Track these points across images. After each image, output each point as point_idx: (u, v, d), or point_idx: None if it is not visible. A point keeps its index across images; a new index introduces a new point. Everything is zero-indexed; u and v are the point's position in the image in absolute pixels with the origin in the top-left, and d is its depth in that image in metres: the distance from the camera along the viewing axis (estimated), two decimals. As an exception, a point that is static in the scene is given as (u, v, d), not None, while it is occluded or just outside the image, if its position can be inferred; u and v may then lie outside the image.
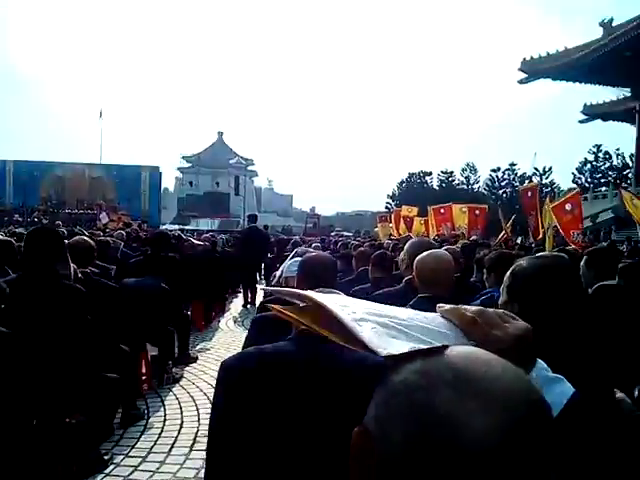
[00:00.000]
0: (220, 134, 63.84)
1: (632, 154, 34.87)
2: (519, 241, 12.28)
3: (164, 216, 44.79)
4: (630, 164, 36.47)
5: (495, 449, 0.38)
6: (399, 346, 0.48)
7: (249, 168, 61.24)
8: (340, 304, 0.56)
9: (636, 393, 1.96)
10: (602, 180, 45.03)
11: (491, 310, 0.65)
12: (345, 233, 28.95)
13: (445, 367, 0.44)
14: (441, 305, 0.61)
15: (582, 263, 3.15)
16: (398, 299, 2.15)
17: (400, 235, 15.54)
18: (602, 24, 28.61)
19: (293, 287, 1.75)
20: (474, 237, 11.33)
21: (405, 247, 3.19)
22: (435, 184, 58.66)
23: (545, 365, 0.71)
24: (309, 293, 0.61)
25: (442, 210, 15.31)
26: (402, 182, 60.51)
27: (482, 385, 0.42)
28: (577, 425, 0.67)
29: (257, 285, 10.95)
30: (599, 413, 0.76)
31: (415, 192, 51.15)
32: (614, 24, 27.60)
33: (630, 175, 36.77)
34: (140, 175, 40.16)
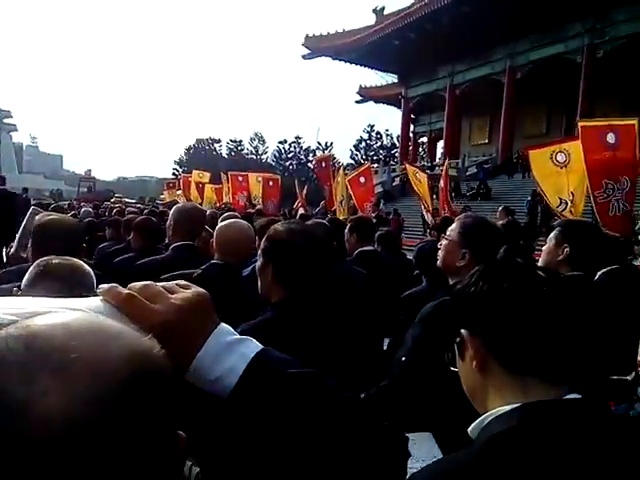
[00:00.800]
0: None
1: (398, 135, 39.39)
2: (315, 212, 12.45)
3: None
4: (397, 144, 41.25)
5: (70, 433, 0.34)
6: None
7: (6, 121, 52.01)
8: None
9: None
10: (374, 157, 50.32)
11: (166, 283, 0.66)
12: (127, 200, 26.35)
13: (16, 337, 0.39)
14: (102, 286, 0.60)
15: (346, 230, 3.42)
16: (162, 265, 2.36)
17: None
18: (375, 11, 31.15)
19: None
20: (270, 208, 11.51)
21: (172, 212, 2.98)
22: (224, 152, 58.26)
23: (230, 329, 0.68)
24: None
25: (240, 178, 14.76)
26: (190, 148, 58.65)
27: (58, 356, 0.37)
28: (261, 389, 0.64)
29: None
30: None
31: (204, 159, 49.95)
32: (385, 12, 30.28)
33: (397, 154, 41.62)
34: None
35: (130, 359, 0.40)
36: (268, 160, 56.17)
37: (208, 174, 18.03)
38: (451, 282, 1.86)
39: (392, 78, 34.99)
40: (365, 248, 3.23)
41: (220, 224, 2.39)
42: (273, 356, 0.68)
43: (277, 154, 56.47)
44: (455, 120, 30.43)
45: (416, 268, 3.14)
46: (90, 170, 53.81)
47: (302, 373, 0.67)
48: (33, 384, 0.35)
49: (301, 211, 11.81)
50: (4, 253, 8.74)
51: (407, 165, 13.37)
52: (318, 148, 53.45)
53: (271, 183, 13.62)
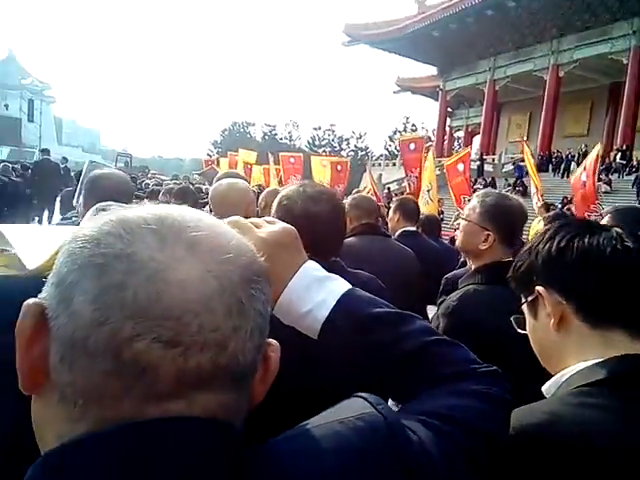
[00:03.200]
0: (11, 50, 54.07)
1: (434, 129, 38.94)
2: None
3: None
4: (432, 137, 40.85)
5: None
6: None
7: (46, 93, 53.26)
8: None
9: None
10: (407, 149, 49.64)
11: (254, 219, 0.68)
12: (163, 177, 26.83)
13: (152, 215, 0.43)
14: None
15: (391, 209, 3.44)
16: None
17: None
18: (417, 1, 30.66)
19: None
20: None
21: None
22: (259, 136, 58.52)
23: (319, 266, 0.69)
24: None
25: (292, 159, 13.92)
26: (225, 130, 59.10)
27: (191, 232, 0.42)
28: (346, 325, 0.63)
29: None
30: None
31: (238, 141, 50.33)
32: (427, 3, 29.80)
33: (431, 147, 40.92)
34: None
35: (247, 252, 0.46)
36: (302, 146, 56.22)
37: (255, 153, 17.07)
38: (473, 266, 1.71)
39: (431, 70, 34.51)
40: (408, 228, 3.25)
41: (219, 183, 2.24)
42: (362, 294, 0.68)
43: (311, 140, 56.48)
44: (493, 115, 29.91)
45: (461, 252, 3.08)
46: (126, 147, 54.77)
47: (392, 313, 0.65)
48: (171, 252, 0.40)
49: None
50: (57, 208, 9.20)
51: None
52: (352, 136, 53.14)
53: (339, 167, 12.88)
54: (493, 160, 25.56)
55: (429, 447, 0.50)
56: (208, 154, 51.77)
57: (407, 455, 0.47)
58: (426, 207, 7.48)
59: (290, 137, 58.57)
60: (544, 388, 0.82)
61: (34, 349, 0.40)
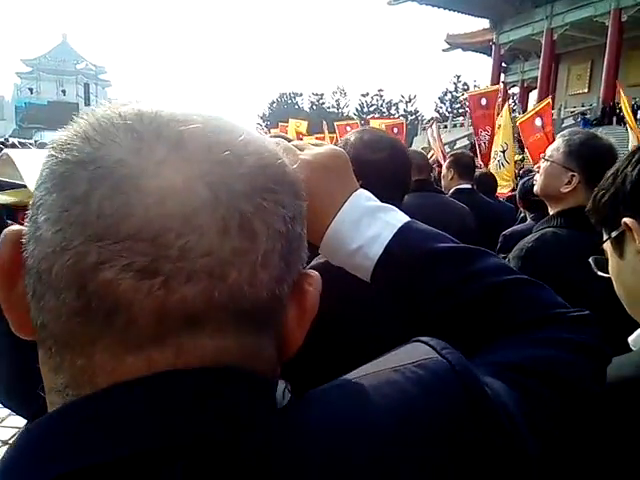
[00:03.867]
0: (65, 36, 55.88)
1: (487, 86, 37.29)
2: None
3: (2, 128, 38.88)
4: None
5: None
6: None
7: (101, 77, 54.97)
8: None
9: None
10: (460, 110, 48.12)
11: (299, 142, 0.61)
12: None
13: (126, 110, 0.34)
14: None
15: (444, 165, 3.37)
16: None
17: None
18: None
19: None
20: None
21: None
22: (306, 106, 58.21)
23: (371, 195, 0.58)
24: None
25: (349, 128, 12.73)
26: (272, 102, 59.14)
27: (175, 127, 0.32)
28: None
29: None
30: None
31: (286, 113, 50.30)
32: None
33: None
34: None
35: (261, 151, 0.35)
36: (350, 113, 55.52)
37: (305, 122, 16.04)
38: (551, 211, 1.60)
39: (483, 23, 32.92)
40: (463, 186, 3.13)
41: None
42: (424, 227, 0.57)
43: (359, 107, 55.63)
44: (551, 68, 28.28)
45: (520, 205, 3.03)
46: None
47: (460, 248, 0.56)
48: (148, 152, 0.31)
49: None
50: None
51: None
52: (401, 100, 51.92)
53: (396, 130, 11.66)
54: (552, 115, 24.30)
55: (506, 401, 0.40)
56: (257, 128, 52.09)
57: (480, 409, 0.38)
58: (499, 172, 6.54)
59: (338, 105, 57.90)
60: (630, 339, 0.73)
61: (14, 284, 0.33)
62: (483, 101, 9.01)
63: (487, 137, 8.45)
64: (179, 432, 0.30)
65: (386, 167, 1.15)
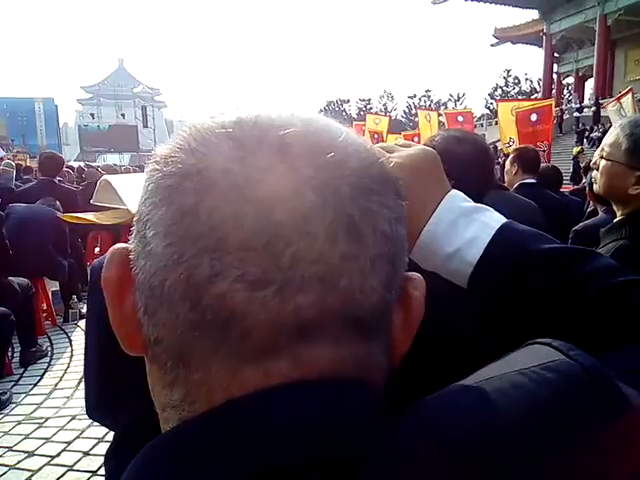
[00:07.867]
0: (121, 62, 58.84)
1: (540, 79, 36.14)
2: None
3: (67, 153, 41.43)
4: (538, 89, 37.88)
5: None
6: None
7: (156, 98, 57.49)
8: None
9: None
10: (511, 105, 46.74)
11: (382, 144, 0.61)
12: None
13: (227, 118, 0.33)
14: None
15: (508, 160, 3.30)
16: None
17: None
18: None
19: None
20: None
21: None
22: (353, 112, 58.36)
23: (465, 196, 0.56)
24: None
25: (460, 117, 12.16)
26: (320, 111, 59.56)
27: (277, 132, 0.31)
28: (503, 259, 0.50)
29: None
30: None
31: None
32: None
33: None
34: (34, 108, 36.69)
35: (362, 150, 0.34)
36: (398, 117, 55.15)
37: (386, 119, 14.39)
38: (619, 213, 1.42)
39: (532, 14, 31.91)
40: (527, 180, 3.06)
41: None
42: (524, 228, 0.54)
43: (407, 109, 55.18)
44: (607, 55, 27.05)
45: (590, 198, 2.92)
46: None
47: (567, 248, 0.52)
48: (252, 160, 0.30)
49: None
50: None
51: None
52: (450, 99, 51.10)
53: (461, 118, 11.43)
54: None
55: None
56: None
57: (623, 410, 0.33)
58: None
59: (385, 109, 57.67)
60: None
61: (123, 301, 0.34)
62: (533, 117, 8.26)
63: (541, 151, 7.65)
64: (311, 448, 0.28)
65: (472, 160, 1.13)
